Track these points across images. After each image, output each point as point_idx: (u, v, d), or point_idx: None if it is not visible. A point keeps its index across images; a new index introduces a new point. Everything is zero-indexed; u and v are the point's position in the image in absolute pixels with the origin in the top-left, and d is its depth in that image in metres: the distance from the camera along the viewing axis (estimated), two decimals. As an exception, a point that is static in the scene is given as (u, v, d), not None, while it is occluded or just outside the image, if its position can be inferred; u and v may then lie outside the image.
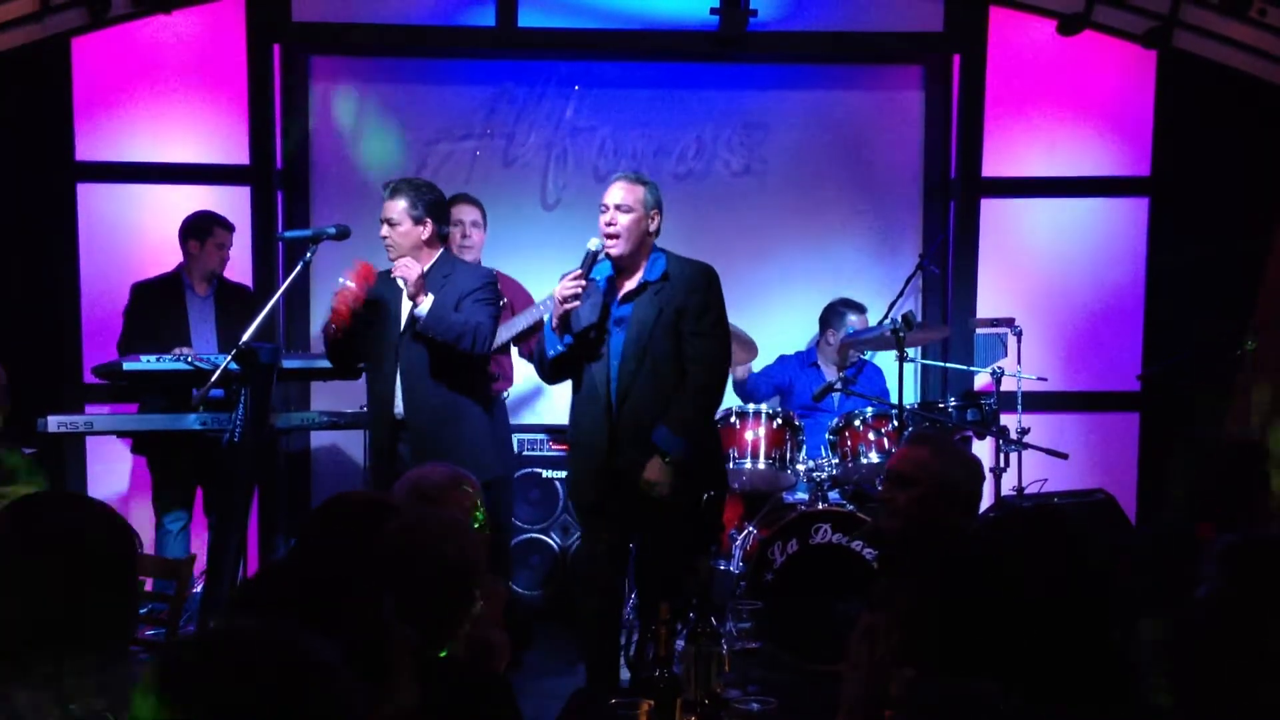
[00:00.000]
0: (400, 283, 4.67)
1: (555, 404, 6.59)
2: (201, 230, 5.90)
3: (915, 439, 3.50)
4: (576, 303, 4.45)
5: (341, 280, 4.70)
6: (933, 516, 3.13)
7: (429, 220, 4.74)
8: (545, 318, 5.51)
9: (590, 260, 4.48)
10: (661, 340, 4.44)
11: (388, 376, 4.75)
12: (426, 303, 4.60)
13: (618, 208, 4.45)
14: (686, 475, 4.42)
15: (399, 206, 4.70)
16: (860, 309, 6.30)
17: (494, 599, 2.97)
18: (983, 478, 3.27)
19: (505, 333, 5.61)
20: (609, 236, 4.46)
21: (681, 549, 4.35)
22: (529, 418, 6.67)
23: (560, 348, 4.52)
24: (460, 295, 4.71)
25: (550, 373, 4.66)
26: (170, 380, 5.44)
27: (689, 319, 4.45)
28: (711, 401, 4.57)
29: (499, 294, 4.94)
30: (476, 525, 3.09)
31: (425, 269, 4.69)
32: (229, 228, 5.97)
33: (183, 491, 5.86)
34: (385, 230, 4.72)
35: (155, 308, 5.86)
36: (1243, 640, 1.99)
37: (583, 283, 4.44)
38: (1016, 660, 2.03)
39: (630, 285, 4.52)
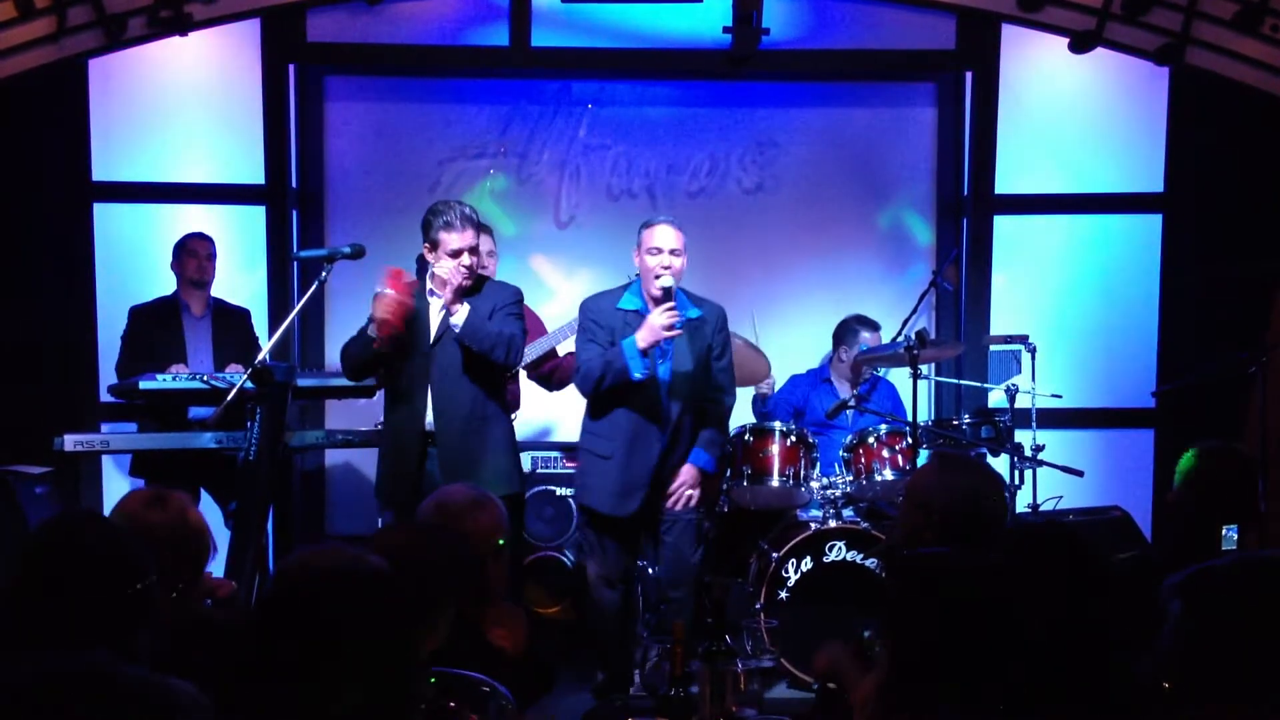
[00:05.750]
0: (430, 297, 4.74)
1: (564, 424, 6.61)
2: (177, 246, 6.00)
3: (930, 457, 3.51)
4: (676, 332, 4.76)
5: (380, 289, 4.67)
6: (923, 533, 3.13)
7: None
8: (557, 344, 5.71)
9: (668, 296, 4.76)
10: (705, 371, 5.00)
11: (419, 388, 4.78)
12: (463, 312, 4.66)
13: (673, 252, 4.85)
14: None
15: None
16: (874, 326, 6.28)
17: (514, 625, 2.97)
18: (996, 495, 3.24)
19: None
20: (667, 276, 4.82)
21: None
22: (541, 437, 6.68)
23: (645, 372, 4.82)
24: (492, 308, 4.77)
25: (604, 391, 4.90)
26: (187, 398, 5.46)
27: (716, 353, 5.05)
28: None
29: (524, 311, 4.99)
30: (500, 544, 3.09)
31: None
32: (204, 238, 6.02)
33: None
34: (469, 260, 4.69)
35: (152, 330, 5.89)
36: (1207, 667, 2.03)
37: (676, 314, 4.73)
38: (1009, 678, 2.03)
39: None
